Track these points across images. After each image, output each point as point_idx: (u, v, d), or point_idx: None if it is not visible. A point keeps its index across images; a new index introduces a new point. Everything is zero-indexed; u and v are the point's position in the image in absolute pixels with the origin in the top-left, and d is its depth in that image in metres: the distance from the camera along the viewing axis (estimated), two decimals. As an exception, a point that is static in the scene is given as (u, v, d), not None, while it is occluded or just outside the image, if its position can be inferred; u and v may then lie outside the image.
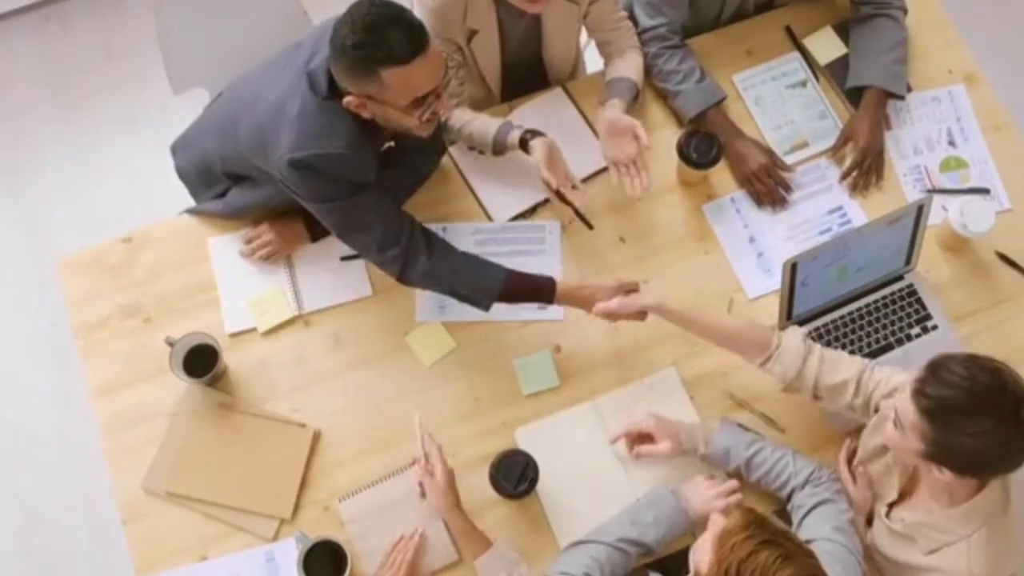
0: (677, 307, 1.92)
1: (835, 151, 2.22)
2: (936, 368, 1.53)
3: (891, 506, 1.76)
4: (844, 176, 2.20)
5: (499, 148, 2.13)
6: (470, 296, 1.96)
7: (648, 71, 2.26)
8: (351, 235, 1.93)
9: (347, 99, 1.75)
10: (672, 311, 1.91)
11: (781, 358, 1.83)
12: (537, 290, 1.96)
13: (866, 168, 2.19)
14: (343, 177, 1.83)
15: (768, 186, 2.16)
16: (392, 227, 1.90)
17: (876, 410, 1.78)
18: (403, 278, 1.95)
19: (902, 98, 2.24)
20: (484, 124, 2.13)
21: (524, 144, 2.07)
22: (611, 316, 1.94)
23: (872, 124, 2.19)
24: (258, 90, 1.88)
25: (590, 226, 2.12)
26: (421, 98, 1.74)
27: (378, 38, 1.65)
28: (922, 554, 1.67)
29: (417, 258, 1.91)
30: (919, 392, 1.53)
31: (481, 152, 2.18)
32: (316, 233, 2.11)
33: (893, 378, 1.76)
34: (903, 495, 1.75)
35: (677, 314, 1.91)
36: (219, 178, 2.14)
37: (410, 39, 1.67)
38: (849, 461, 1.88)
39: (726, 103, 2.23)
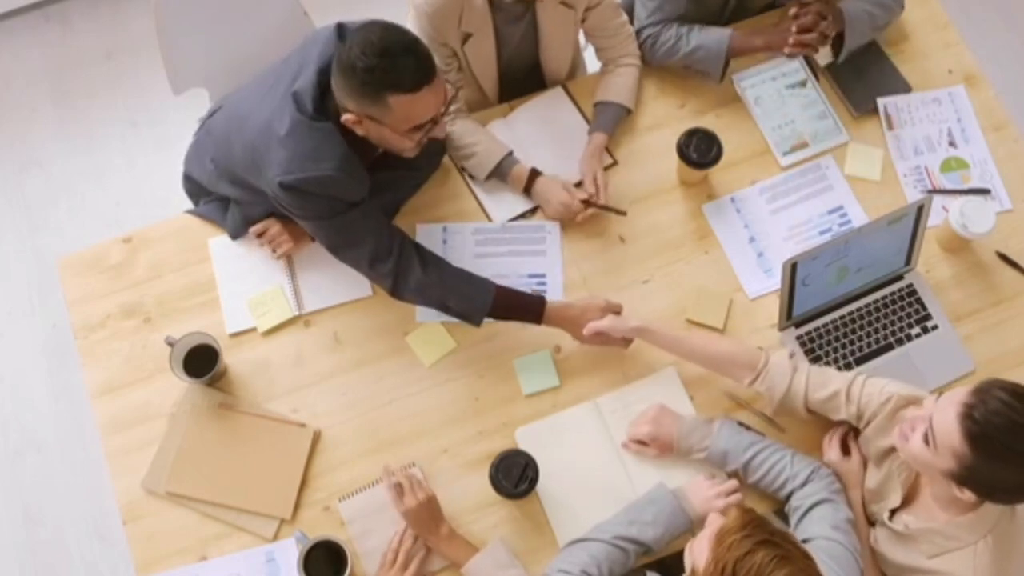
0: (662, 329, 1.94)
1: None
2: (984, 394, 1.51)
3: (893, 511, 1.76)
4: (797, 29, 2.16)
5: (499, 176, 2.17)
6: (461, 311, 1.98)
7: (650, 60, 2.27)
8: (343, 251, 1.95)
9: (345, 116, 1.76)
10: (657, 333, 1.93)
11: (769, 376, 1.85)
12: (526, 308, 1.99)
13: (814, 34, 2.15)
14: (334, 196, 1.84)
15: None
16: (383, 242, 1.92)
17: (869, 421, 1.79)
18: (395, 292, 1.97)
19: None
20: (487, 151, 2.15)
21: (528, 184, 2.14)
22: (599, 339, 1.97)
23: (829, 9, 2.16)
24: (248, 108, 1.89)
25: (623, 212, 2.15)
26: (421, 125, 1.77)
27: (390, 64, 1.67)
28: (925, 557, 1.67)
29: (408, 273, 1.94)
30: (967, 416, 1.51)
31: (472, 176, 2.20)
32: None
33: (887, 388, 1.77)
34: (905, 500, 1.75)
35: (662, 337, 1.93)
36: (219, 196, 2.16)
37: (420, 69, 1.69)
38: (843, 443, 1.88)
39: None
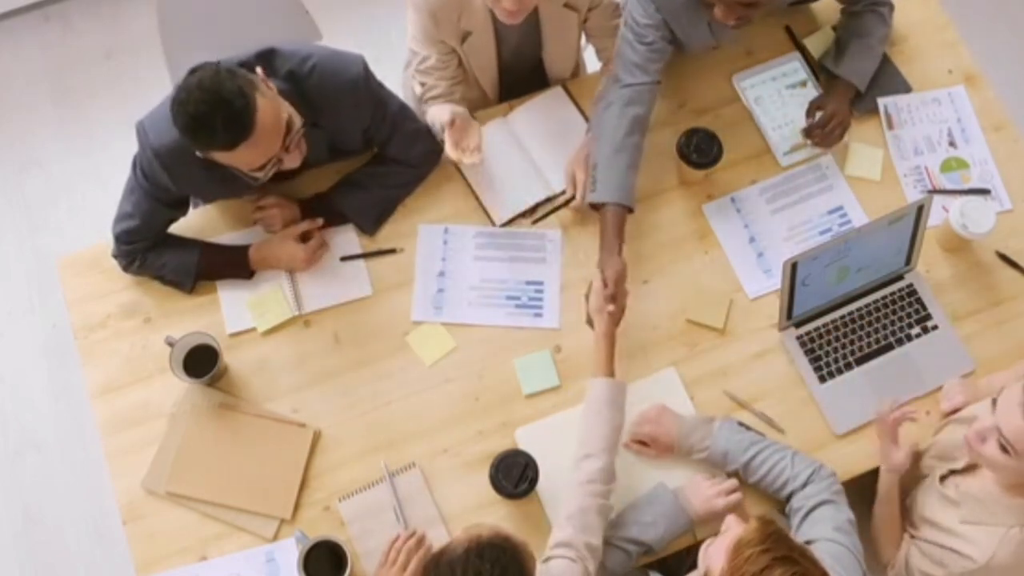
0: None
1: (808, 114, 2.23)
2: None
3: (950, 473, 1.77)
4: (806, 132, 2.21)
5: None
6: (172, 280, 2.08)
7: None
8: (121, 201, 2.04)
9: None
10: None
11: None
12: (233, 261, 2.09)
13: (828, 131, 2.18)
14: (142, 166, 1.95)
15: None
16: (142, 232, 2.03)
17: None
18: (117, 256, 2.08)
19: (861, 95, 2.24)
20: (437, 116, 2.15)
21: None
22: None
23: (839, 102, 2.19)
24: None
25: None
26: (258, 166, 1.78)
27: (200, 128, 1.68)
28: (958, 521, 1.69)
29: (134, 261, 2.07)
30: None
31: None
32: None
33: None
34: (967, 468, 1.75)
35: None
36: None
37: (231, 131, 1.68)
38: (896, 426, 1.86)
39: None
